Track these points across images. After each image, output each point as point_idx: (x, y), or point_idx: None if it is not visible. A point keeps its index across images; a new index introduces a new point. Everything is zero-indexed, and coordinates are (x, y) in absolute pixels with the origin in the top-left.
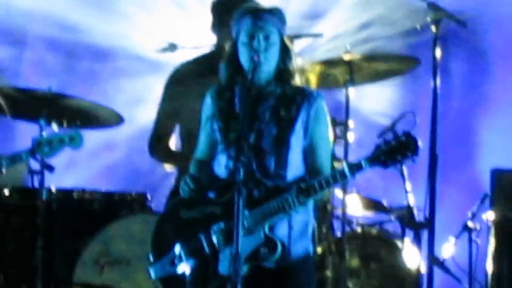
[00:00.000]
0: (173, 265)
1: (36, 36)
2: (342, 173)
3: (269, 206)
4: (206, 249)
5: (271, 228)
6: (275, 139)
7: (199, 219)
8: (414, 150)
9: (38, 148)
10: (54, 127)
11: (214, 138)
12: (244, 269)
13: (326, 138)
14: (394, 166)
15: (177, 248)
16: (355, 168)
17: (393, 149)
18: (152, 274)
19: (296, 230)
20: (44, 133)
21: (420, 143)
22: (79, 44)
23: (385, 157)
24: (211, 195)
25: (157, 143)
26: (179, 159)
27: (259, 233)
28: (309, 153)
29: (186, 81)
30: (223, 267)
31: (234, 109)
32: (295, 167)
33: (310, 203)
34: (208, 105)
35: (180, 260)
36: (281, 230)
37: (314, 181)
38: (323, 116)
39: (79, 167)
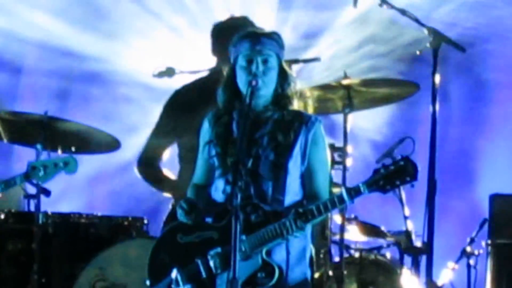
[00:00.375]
0: None
1: (33, 61)
2: (341, 198)
3: (267, 231)
4: (203, 273)
5: (269, 253)
6: (273, 164)
7: (196, 243)
8: (413, 175)
9: (32, 172)
10: (50, 152)
11: (212, 163)
12: None
13: (324, 163)
14: (393, 191)
15: (174, 273)
16: (354, 192)
17: (391, 174)
18: None
19: (294, 254)
20: (40, 158)
21: (418, 168)
22: (75, 69)
23: (384, 182)
24: (209, 220)
25: (145, 163)
26: (167, 186)
27: (256, 257)
28: (307, 178)
29: (186, 104)
30: None
31: (232, 134)
32: (293, 192)
33: (308, 228)
34: (205, 130)
35: (177, 285)
36: (279, 255)
37: (312, 206)
38: (321, 141)
39: (76, 192)
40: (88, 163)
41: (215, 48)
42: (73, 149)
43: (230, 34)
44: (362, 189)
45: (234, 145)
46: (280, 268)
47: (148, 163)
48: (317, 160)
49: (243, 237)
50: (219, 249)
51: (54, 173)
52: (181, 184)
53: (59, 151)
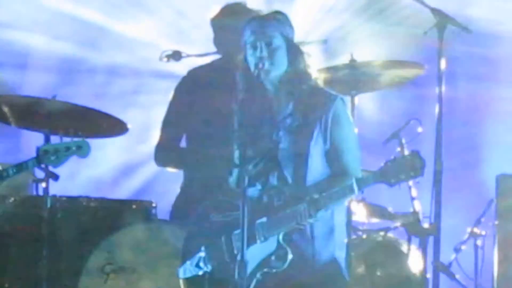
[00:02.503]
0: (197, 267)
1: (40, 51)
2: (351, 188)
3: (284, 216)
4: (225, 254)
5: (288, 237)
6: (294, 147)
7: (226, 223)
8: (419, 170)
9: (44, 156)
10: (61, 136)
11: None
12: (258, 275)
13: (350, 140)
14: (398, 184)
15: (202, 251)
16: (362, 183)
17: (399, 168)
18: (181, 274)
19: (320, 237)
20: (50, 142)
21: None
22: (83, 58)
23: (391, 176)
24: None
25: (163, 151)
26: (184, 155)
27: (273, 241)
28: (334, 158)
29: (195, 88)
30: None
31: (253, 121)
32: (316, 172)
33: (334, 210)
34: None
35: (204, 262)
36: (304, 240)
37: (324, 194)
38: (344, 118)
39: (83, 175)
40: (96, 146)
41: (215, 40)
42: (80, 133)
43: (227, 24)
44: (370, 180)
45: (241, 128)
46: (295, 252)
47: (166, 153)
48: (341, 139)
49: (264, 219)
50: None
51: (66, 157)
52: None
53: (68, 136)
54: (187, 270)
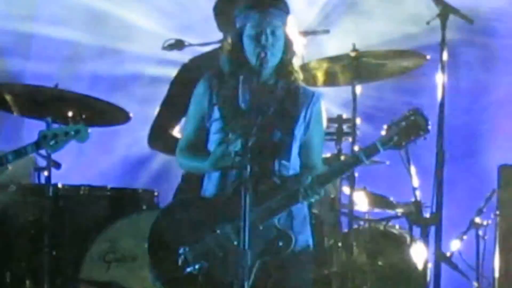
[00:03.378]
0: (180, 268)
1: (42, 38)
2: (357, 158)
3: (279, 200)
4: (216, 250)
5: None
6: (281, 132)
7: (201, 219)
8: (424, 127)
9: (43, 141)
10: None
11: (209, 127)
12: (257, 264)
13: (322, 138)
14: (409, 145)
15: (182, 251)
16: (370, 151)
17: (404, 129)
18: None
19: (297, 222)
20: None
21: (429, 120)
22: (84, 45)
23: (399, 138)
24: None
25: (157, 135)
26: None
27: (269, 227)
28: (305, 150)
29: (194, 77)
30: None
31: (238, 100)
32: (295, 161)
33: None
34: (201, 94)
35: (187, 264)
36: (285, 222)
37: (328, 170)
38: (321, 117)
39: (86, 164)
40: (98, 135)
41: (218, 25)
42: (83, 116)
43: (229, 8)
44: (379, 147)
45: (242, 116)
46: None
47: (160, 136)
48: (317, 134)
49: (257, 208)
50: (228, 223)
51: (65, 141)
52: None
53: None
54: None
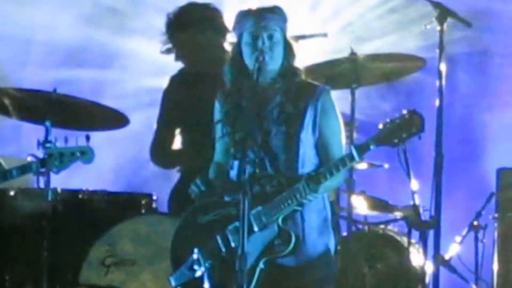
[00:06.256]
0: (192, 270)
1: (40, 42)
2: (350, 156)
3: (282, 198)
4: (223, 249)
5: (285, 221)
6: (285, 136)
7: (215, 221)
8: (419, 126)
9: (48, 160)
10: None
11: (225, 142)
12: (261, 264)
13: (337, 131)
14: (401, 144)
15: (195, 253)
16: (362, 149)
17: (398, 127)
18: (172, 282)
19: (313, 226)
20: (50, 135)
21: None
22: (83, 48)
23: (391, 136)
24: (228, 197)
25: (159, 151)
26: (179, 157)
27: (273, 226)
28: (321, 148)
29: (176, 92)
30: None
31: (241, 111)
32: (309, 162)
33: (326, 198)
34: (217, 110)
35: (199, 264)
36: (295, 224)
37: (323, 168)
38: (331, 110)
39: (85, 168)
40: (97, 139)
41: (172, 37)
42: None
43: (189, 25)
44: (370, 144)
45: (242, 121)
46: (296, 235)
47: (160, 154)
48: (328, 129)
49: (260, 208)
50: (237, 224)
51: (70, 162)
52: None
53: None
54: (182, 275)
